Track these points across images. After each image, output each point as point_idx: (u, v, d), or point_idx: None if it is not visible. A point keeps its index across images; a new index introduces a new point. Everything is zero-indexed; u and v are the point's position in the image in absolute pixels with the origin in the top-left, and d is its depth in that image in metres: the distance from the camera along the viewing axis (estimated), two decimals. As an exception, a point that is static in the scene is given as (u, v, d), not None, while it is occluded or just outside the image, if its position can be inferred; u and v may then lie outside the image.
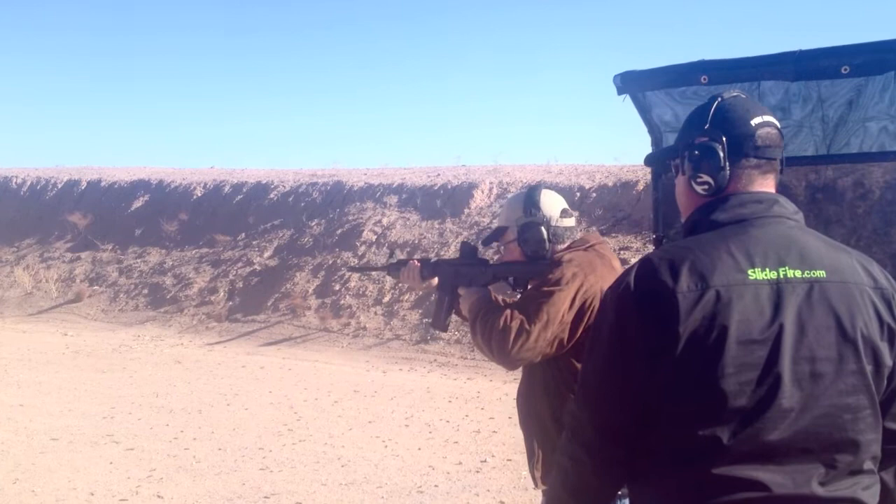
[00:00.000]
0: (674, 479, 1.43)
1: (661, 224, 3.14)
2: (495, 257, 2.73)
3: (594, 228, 10.79)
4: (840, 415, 1.40)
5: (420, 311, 11.11)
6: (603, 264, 2.30)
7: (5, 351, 10.83)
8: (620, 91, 3.01)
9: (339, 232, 13.85)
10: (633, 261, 1.91)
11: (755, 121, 1.54)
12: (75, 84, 59.13)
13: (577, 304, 2.19)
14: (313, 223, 14.46)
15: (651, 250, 1.87)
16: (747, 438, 1.37)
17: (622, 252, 10.05)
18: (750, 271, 1.42)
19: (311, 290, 12.72)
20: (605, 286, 1.89)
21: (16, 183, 20.62)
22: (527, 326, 2.16)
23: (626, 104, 3.05)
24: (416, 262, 2.62)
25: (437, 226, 13.01)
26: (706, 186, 1.56)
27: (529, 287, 2.35)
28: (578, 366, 1.92)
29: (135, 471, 5.55)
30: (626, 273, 1.50)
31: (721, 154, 1.53)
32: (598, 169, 13.51)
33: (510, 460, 5.69)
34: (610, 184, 12.26)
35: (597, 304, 2.15)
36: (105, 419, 7.02)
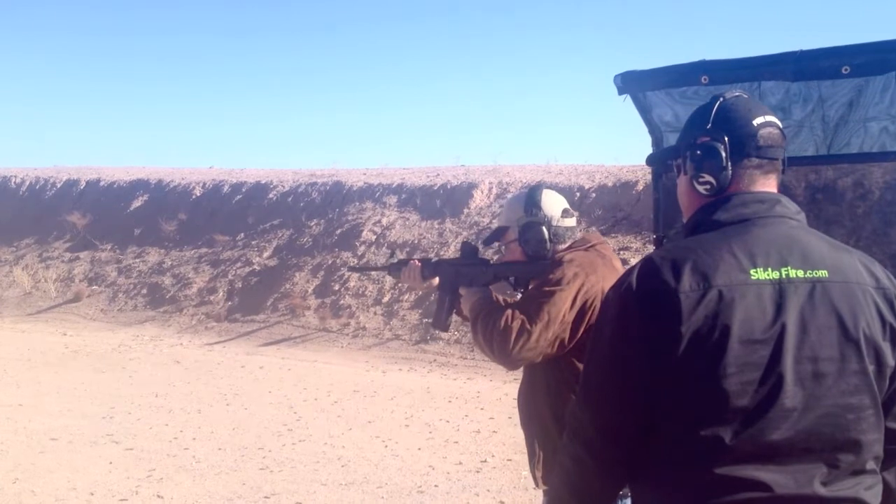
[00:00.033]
0: (676, 479, 1.43)
1: (661, 224, 3.14)
2: (496, 257, 2.73)
3: (594, 228, 10.79)
4: (842, 415, 1.40)
5: (420, 311, 11.11)
6: (604, 264, 2.30)
7: (4, 351, 10.81)
8: (621, 91, 3.01)
9: (338, 232, 13.85)
10: (633, 261, 1.91)
11: (757, 121, 1.54)
12: (74, 84, 59.14)
13: (579, 304, 2.19)
14: (313, 223, 14.46)
15: (651, 250, 1.87)
16: (749, 438, 1.37)
17: (622, 252, 10.05)
18: (752, 271, 1.42)
19: (310, 290, 12.72)
20: (607, 286, 1.89)
21: (14, 183, 20.62)
22: (528, 326, 2.16)
23: (627, 104, 3.05)
24: (416, 261, 2.62)
25: (436, 226, 13.01)
26: (708, 186, 1.56)
27: (530, 287, 2.35)
28: (579, 366, 1.92)
29: (134, 471, 5.55)
30: (628, 273, 1.49)
31: (723, 154, 1.53)
32: (597, 169, 13.52)
33: (510, 460, 5.69)
34: (610, 184, 12.26)
35: (598, 304, 2.15)
36: (104, 419, 7.01)
